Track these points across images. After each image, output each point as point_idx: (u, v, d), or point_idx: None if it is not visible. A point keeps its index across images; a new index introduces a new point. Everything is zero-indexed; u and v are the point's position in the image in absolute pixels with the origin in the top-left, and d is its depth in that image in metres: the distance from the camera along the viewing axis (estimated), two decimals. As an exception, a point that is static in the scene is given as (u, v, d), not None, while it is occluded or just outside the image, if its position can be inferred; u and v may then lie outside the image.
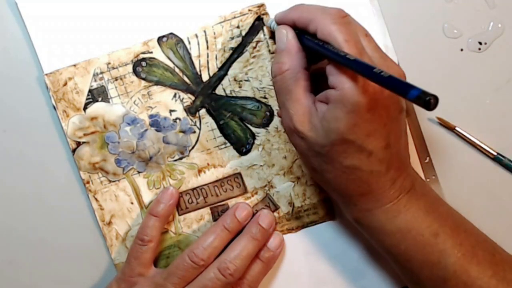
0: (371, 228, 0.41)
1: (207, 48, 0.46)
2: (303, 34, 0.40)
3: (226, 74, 0.46)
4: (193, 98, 0.46)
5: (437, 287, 0.40)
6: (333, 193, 0.42)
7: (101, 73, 0.46)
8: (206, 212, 0.47)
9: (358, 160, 0.37)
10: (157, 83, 0.46)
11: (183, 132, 0.47)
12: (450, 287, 0.39)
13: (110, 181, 0.47)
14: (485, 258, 0.39)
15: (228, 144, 0.47)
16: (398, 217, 0.39)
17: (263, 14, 0.46)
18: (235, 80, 0.46)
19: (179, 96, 0.46)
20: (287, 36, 0.40)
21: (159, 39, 0.46)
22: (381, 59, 0.38)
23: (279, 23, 0.42)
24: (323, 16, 0.38)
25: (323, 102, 0.38)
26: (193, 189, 0.47)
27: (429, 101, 0.29)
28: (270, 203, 0.47)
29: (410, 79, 0.47)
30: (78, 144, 0.46)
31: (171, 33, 0.46)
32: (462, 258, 0.39)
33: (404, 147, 0.40)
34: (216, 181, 0.47)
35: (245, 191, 0.47)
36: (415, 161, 0.47)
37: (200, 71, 0.46)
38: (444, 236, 0.39)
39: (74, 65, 0.46)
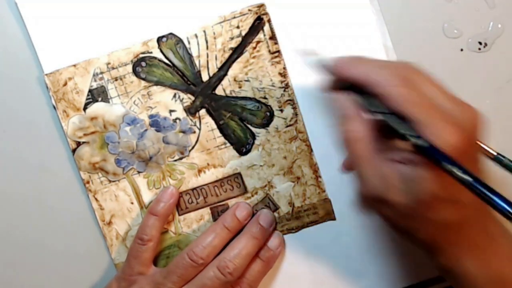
0: (459, 277, 0.37)
1: (207, 48, 0.46)
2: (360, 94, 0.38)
3: (226, 74, 0.46)
4: (193, 98, 0.46)
5: None
6: (420, 246, 0.38)
7: (101, 73, 0.46)
8: (206, 212, 0.47)
9: (451, 214, 0.35)
10: (157, 83, 0.46)
11: (183, 132, 0.47)
12: None
13: (110, 181, 0.47)
14: None
15: (228, 144, 0.47)
16: (489, 265, 0.36)
17: (263, 14, 0.46)
18: (235, 80, 0.46)
19: (179, 96, 0.46)
20: (347, 104, 0.38)
21: (159, 39, 0.46)
22: (459, 106, 0.35)
23: (332, 73, 0.39)
24: (386, 80, 0.35)
25: (401, 161, 0.36)
26: (193, 189, 0.47)
27: None
28: (270, 203, 0.47)
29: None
30: (78, 144, 0.46)
31: (170, 33, 0.46)
32: None
33: None
34: (216, 181, 0.47)
35: (245, 191, 0.47)
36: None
37: (200, 71, 0.46)
38: None
39: (74, 65, 0.46)
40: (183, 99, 0.46)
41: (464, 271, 0.37)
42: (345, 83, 0.39)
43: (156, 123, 0.46)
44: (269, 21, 0.46)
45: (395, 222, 0.37)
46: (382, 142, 0.37)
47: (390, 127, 0.35)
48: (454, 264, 0.37)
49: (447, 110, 0.34)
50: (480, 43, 0.47)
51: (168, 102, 0.46)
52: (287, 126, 0.47)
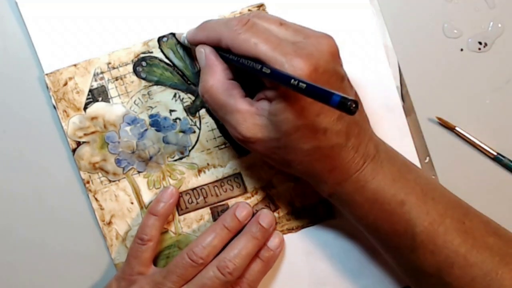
0: (343, 201, 0.41)
1: (207, 48, 0.46)
2: (220, 50, 0.41)
3: (226, 74, 0.46)
4: (193, 98, 0.46)
5: (406, 256, 0.40)
6: (304, 177, 0.42)
7: (102, 73, 0.46)
8: (206, 212, 0.47)
9: (316, 140, 0.38)
10: (157, 83, 0.46)
11: (183, 132, 0.47)
12: (417, 256, 0.40)
13: (110, 181, 0.47)
14: (453, 226, 0.39)
15: (228, 144, 0.47)
16: (365, 187, 0.40)
17: (263, 14, 0.46)
18: (235, 80, 0.46)
19: (179, 96, 0.46)
20: (205, 53, 0.41)
21: (160, 39, 0.46)
22: (306, 38, 0.38)
23: (191, 43, 0.43)
24: (228, 32, 0.38)
25: (263, 99, 0.39)
26: (193, 189, 0.47)
27: (350, 106, 0.30)
28: (270, 203, 0.47)
29: (410, 79, 0.47)
30: (78, 144, 0.46)
31: (171, 33, 0.46)
32: (428, 227, 0.39)
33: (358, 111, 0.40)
34: (216, 181, 0.47)
35: (245, 191, 0.47)
36: (415, 161, 0.47)
37: (200, 71, 0.46)
38: (410, 205, 0.39)
39: (75, 65, 0.46)
40: (183, 98, 0.46)
41: (344, 194, 0.40)
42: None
43: (156, 123, 0.46)
44: (269, 21, 0.46)
45: (271, 157, 0.40)
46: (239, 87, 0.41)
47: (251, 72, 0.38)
48: (336, 188, 0.40)
49: (296, 43, 0.37)
50: (480, 43, 0.47)
51: (168, 102, 0.46)
52: (287, 126, 0.47)
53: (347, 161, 0.39)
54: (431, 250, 0.39)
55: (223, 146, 0.47)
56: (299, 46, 0.37)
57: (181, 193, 0.47)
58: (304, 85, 0.33)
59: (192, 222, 0.47)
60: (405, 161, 0.42)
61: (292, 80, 0.33)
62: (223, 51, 0.40)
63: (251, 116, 0.39)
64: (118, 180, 0.47)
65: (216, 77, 0.40)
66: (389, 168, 0.40)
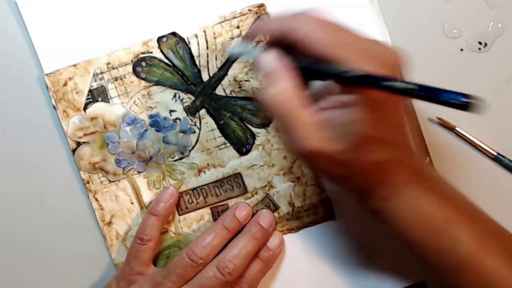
0: (388, 216, 0.39)
1: (207, 48, 0.46)
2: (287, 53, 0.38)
3: (226, 74, 0.46)
4: (193, 98, 0.46)
5: (449, 275, 0.39)
6: (353, 191, 0.40)
7: (101, 73, 0.46)
8: (206, 212, 0.47)
9: (382, 153, 0.37)
10: (157, 83, 0.46)
11: (183, 132, 0.47)
12: (461, 275, 0.39)
13: (110, 181, 0.47)
14: (497, 248, 0.39)
15: (228, 144, 0.47)
16: (414, 202, 0.38)
17: (263, 14, 0.46)
18: (235, 80, 0.46)
19: (179, 96, 0.46)
20: (272, 56, 0.38)
21: (159, 39, 0.46)
22: (373, 45, 0.37)
23: (248, 38, 0.42)
24: (303, 24, 0.36)
25: (333, 108, 0.36)
26: (193, 189, 0.47)
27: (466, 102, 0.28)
28: (270, 203, 0.47)
29: (410, 79, 0.47)
30: (78, 144, 0.46)
31: (171, 33, 0.46)
32: (475, 247, 0.38)
33: (409, 131, 0.40)
34: (216, 181, 0.47)
35: (245, 191, 0.47)
36: (415, 161, 0.47)
37: (200, 71, 0.46)
38: (458, 224, 0.39)
39: (74, 65, 0.46)
40: (183, 99, 0.46)
41: (390, 209, 0.39)
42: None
43: (156, 123, 0.46)
44: (269, 21, 0.46)
45: (331, 172, 0.38)
46: (305, 95, 0.37)
47: (312, 77, 0.36)
48: (382, 203, 0.39)
49: (368, 49, 0.36)
50: (480, 43, 0.47)
51: (168, 102, 0.46)
52: (287, 126, 0.47)
53: (400, 175, 0.38)
54: (476, 270, 0.38)
55: (223, 146, 0.47)
56: (375, 53, 0.36)
57: (181, 193, 0.47)
58: (414, 85, 0.30)
59: (192, 222, 0.47)
60: (446, 180, 0.41)
61: (398, 84, 0.31)
62: (291, 55, 0.37)
63: (318, 129, 0.36)
64: (118, 180, 0.47)
65: (282, 84, 0.37)
66: (437, 186, 0.40)
